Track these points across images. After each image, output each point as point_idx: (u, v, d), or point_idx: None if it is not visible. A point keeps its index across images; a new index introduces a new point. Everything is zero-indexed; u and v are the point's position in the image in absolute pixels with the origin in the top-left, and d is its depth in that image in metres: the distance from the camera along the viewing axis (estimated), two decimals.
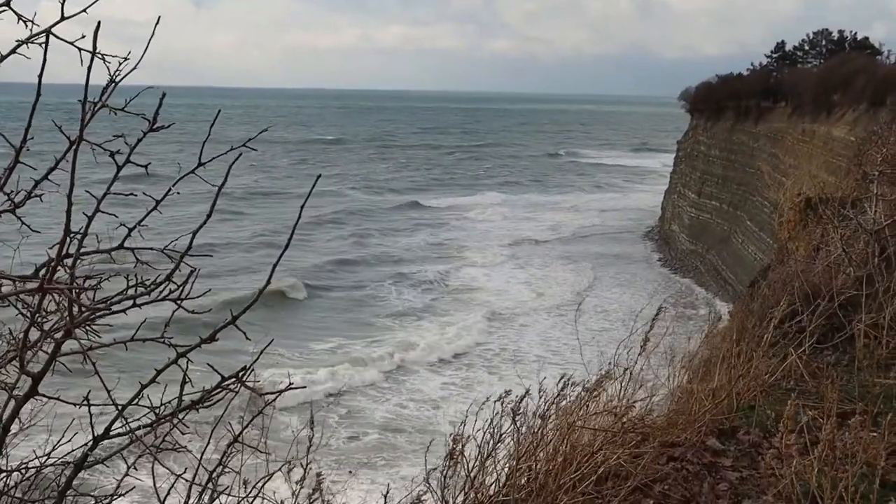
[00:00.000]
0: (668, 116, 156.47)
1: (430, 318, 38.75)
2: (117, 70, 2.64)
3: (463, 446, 4.15)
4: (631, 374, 4.77)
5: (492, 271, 49.55)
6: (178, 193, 2.80)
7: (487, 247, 56.71)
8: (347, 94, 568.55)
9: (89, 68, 2.54)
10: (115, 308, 2.70)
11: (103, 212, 2.76)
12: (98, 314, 2.68)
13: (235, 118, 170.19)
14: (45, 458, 3.14)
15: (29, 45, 2.56)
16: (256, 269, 44.17)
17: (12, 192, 2.63)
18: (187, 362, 2.76)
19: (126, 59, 2.64)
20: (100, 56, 2.59)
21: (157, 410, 2.80)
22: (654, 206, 70.75)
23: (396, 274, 46.86)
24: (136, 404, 2.79)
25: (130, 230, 2.74)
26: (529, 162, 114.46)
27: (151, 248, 2.75)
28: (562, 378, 4.54)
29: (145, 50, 2.65)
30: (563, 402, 4.47)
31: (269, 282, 2.85)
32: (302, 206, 2.68)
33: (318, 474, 4.08)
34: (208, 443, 3.16)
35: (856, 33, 63.74)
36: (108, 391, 2.82)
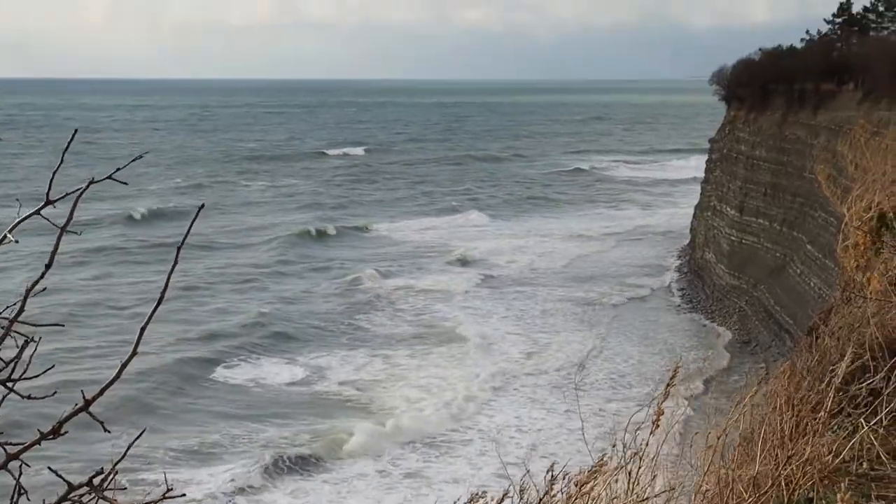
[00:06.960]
0: (702, 107, 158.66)
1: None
2: None
3: None
4: (640, 459, 4.78)
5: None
6: (16, 242, 2.76)
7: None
8: (278, 85, 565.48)
9: None
10: None
11: None
12: None
13: (138, 123, 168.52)
14: None
15: None
16: None
17: None
18: (21, 466, 2.71)
19: None
20: None
21: None
22: (683, 227, 71.61)
23: None
24: None
25: None
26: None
27: None
28: (549, 470, 4.53)
29: None
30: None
31: (134, 352, 2.82)
32: (187, 231, 2.67)
33: None
34: None
35: None
36: None
